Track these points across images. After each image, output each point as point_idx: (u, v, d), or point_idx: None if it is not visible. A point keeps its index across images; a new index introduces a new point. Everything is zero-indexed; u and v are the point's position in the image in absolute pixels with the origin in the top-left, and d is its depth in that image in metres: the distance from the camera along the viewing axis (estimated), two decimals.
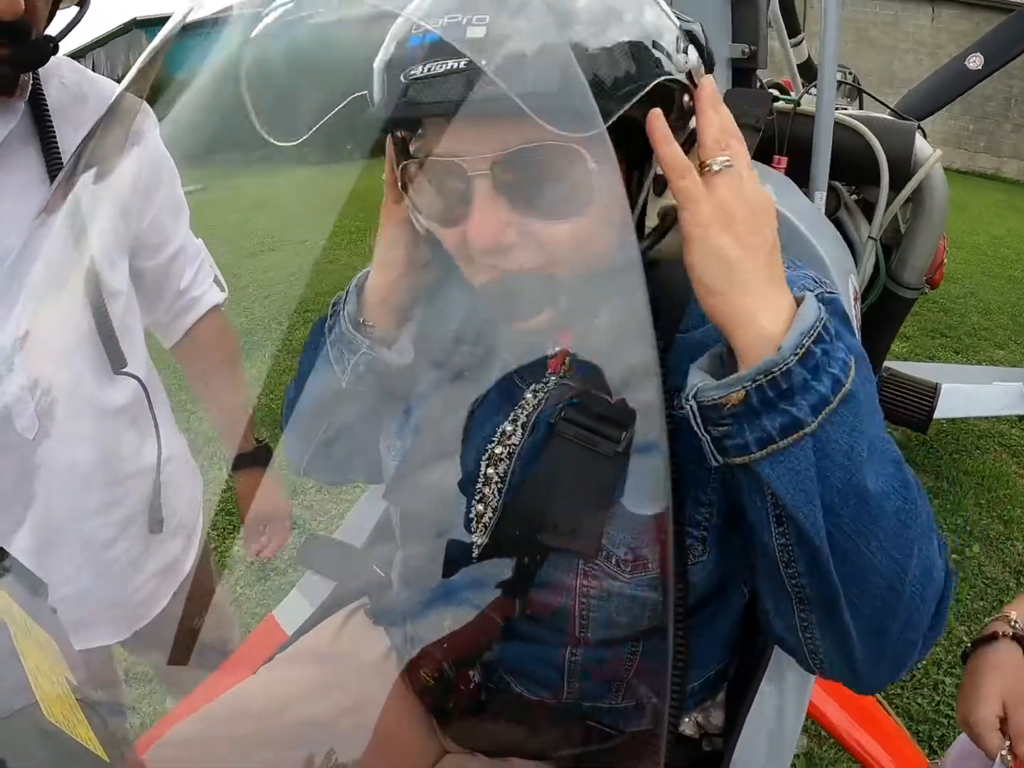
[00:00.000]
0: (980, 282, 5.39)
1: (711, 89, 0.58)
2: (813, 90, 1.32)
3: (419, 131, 0.61)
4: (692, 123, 0.60)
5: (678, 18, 0.60)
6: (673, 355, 0.65)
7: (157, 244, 1.12)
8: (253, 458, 1.22)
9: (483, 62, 0.49)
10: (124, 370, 1.02)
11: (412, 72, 0.54)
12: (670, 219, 0.59)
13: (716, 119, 0.57)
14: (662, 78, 0.55)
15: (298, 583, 1.09)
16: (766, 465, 0.53)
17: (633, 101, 0.52)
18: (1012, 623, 0.88)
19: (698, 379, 0.55)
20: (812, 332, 0.52)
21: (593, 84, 0.50)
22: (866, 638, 0.58)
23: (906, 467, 0.58)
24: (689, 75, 0.58)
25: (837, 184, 1.45)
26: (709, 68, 0.62)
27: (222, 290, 1.13)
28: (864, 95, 2.02)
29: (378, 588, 0.96)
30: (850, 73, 1.99)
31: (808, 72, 1.57)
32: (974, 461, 2.93)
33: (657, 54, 0.55)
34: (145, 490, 1.11)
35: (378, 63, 0.59)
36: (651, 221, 0.62)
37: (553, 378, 0.72)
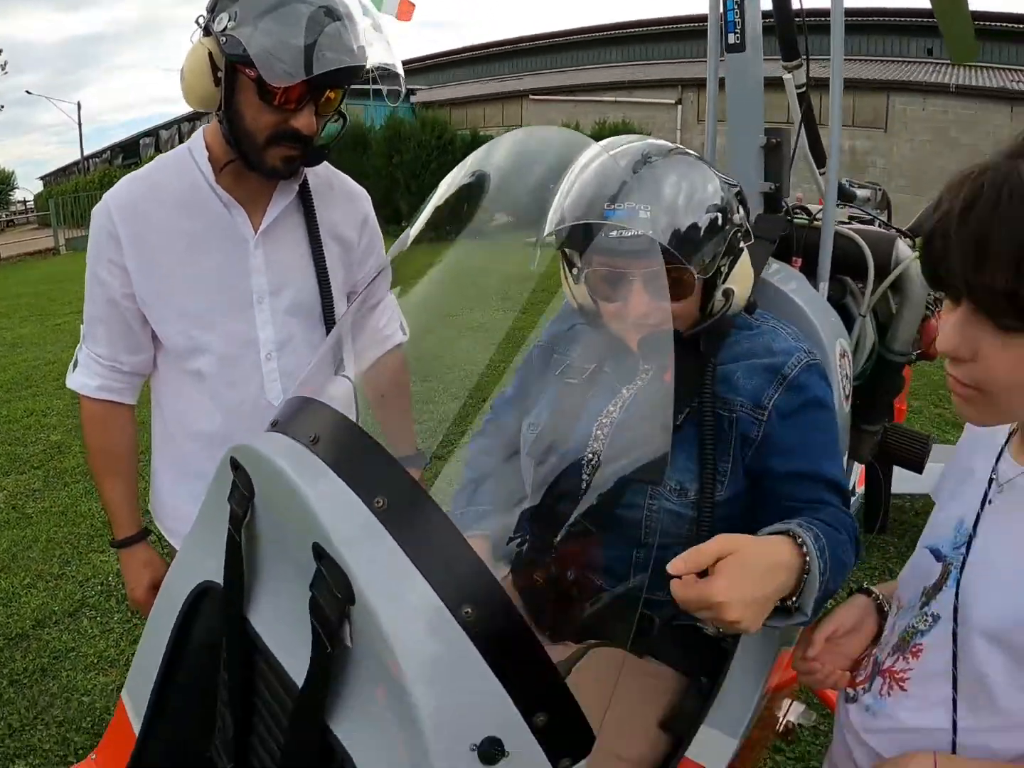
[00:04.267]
0: None
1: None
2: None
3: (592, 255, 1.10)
4: (740, 260, 1.14)
5: (731, 183, 1.14)
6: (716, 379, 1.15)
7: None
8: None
9: (650, 232, 1.02)
10: (342, 373, 1.36)
11: (611, 232, 1.05)
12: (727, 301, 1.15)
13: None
14: (732, 230, 1.11)
15: None
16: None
17: (720, 251, 1.09)
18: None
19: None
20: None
21: (692, 239, 1.05)
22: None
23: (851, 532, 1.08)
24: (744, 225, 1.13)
25: (846, 278, 1.91)
26: (747, 211, 1.16)
27: (404, 334, 1.51)
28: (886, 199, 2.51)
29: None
30: (880, 189, 2.46)
31: (840, 192, 2.01)
32: None
33: (728, 214, 1.10)
34: None
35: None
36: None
37: (639, 382, 1.20)
